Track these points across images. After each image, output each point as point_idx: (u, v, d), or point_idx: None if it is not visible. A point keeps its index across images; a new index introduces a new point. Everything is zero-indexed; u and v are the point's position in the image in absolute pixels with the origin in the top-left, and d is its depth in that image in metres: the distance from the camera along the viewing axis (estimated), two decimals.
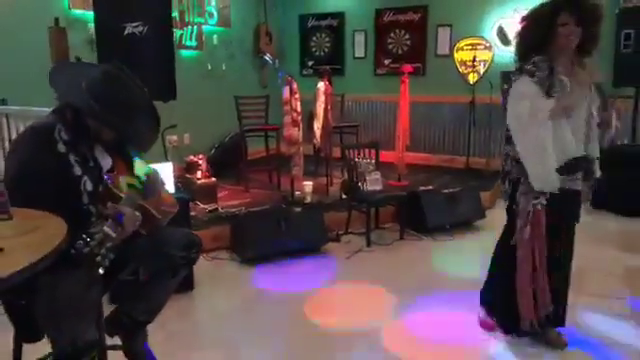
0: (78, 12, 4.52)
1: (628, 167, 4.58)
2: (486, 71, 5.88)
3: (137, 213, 1.74)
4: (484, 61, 5.89)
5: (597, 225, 4.37)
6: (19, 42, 4.08)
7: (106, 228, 1.53)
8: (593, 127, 2.25)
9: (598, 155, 2.33)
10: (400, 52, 6.52)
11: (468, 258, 3.65)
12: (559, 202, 2.23)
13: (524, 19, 2.27)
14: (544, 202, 2.21)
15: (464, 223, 4.27)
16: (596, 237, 4.05)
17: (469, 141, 5.73)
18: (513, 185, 2.33)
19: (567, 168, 2.18)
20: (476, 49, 5.91)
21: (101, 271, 1.48)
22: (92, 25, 3.56)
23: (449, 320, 2.75)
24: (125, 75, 1.83)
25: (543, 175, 2.16)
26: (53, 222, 1.45)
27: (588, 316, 2.77)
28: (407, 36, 6.43)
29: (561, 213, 2.28)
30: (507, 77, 4.68)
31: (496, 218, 4.51)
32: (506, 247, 2.40)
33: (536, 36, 2.16)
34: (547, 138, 2.12)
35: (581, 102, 2.17)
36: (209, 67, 6.07)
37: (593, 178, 2.35)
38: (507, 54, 5.74)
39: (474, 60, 5.83)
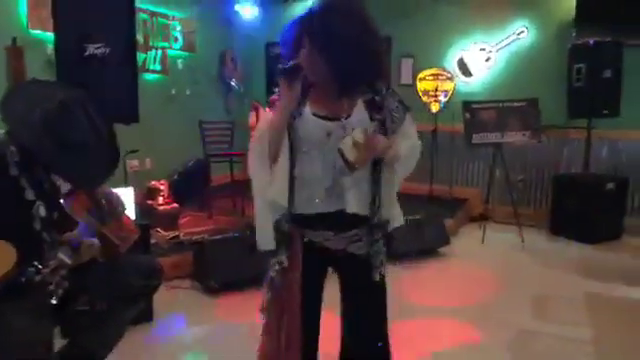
0: (37, 32, 4.38)
1: (580, 195, 4.77)
2: (448, 101, 6.05)
3: (94, 239, 1.65)
4: (446, 91, 6.06)
5: (557, 252, 4.50)
6: None
7: (60, 255, 1.45)
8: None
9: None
10: None
11: (434, 285, 3.66)
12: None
13: None
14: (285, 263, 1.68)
15: (429, 250, 4.30)
16: (557, 264, 4.16)
17: (432, 169, 5.84)
18: None
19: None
20: (438, 79, 6.09)
21: (54, 301, 1.38)
22: (51, 46, 3.46)
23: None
24: (82, 107, 1.71)
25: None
26: (2, 249, 1.36)
27: (548, 343, 2.80)
28: None
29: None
30: (468, 106, 4.90)
31: (461, 245, 4.60)
32: None
33: None
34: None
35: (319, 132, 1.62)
36: (173, 91, 5.99)
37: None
38: (468, 85, 5.95)
39: (436, 90, 5.99)
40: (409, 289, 3.59)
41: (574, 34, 5.08)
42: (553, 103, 5.06)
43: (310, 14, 1.60)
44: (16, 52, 3.16)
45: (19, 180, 1.63)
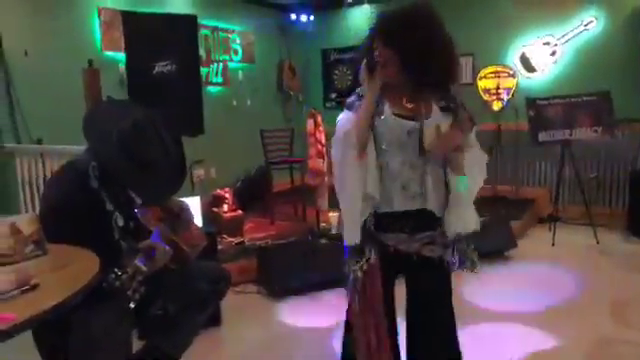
0: (110, 53, 4.70)
1: None
2: (511, 98, 5.84)
3: (168, 247, 1.75)
4: (508, 88, 5.86)
5: (637, 253, 4.21)
6: (55, 83, 4.26)
7: (138, 262, 1.55)
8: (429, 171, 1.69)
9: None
10: None
11: (502, 289, 3.54)
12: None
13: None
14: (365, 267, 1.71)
15: (495, 253, 4.16)
16: (636, 266, 3.90)
17: (496, 169, 5.65)
18: None
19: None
20: (499, 77, 5.90)
21: (132, 305, 1.48)
22: (122, 65, 3.71)
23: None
24: (154, 128, 1.81)
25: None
26: (86, 257, 1.47)
27: (629, 349, 2.63)
28: None
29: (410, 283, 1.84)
30: (532, 103, 4.70)
31: (530, 247, 4.41)
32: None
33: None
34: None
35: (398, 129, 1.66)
36: (234, 102, 6.20)
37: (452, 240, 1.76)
38: (531, 81, 5.72)
39: (498, 88, 5.80)
40: (474, 293, 3.49)
41: None
42: (627, 96, 4.76)
43: (386, 17, 1.69)
44: (92, 73, 3.40)
45: (99, 193, 1.77)
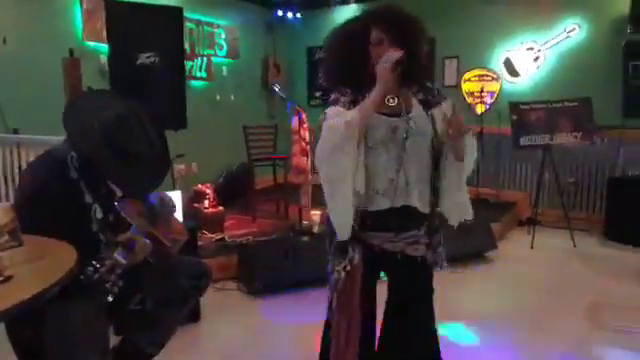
0: (91, 44, 4.60)
1: (637, 198, 4.53)
2: (494, 102, 5.90)
3: (147, 241, 1.72)
4: (492, 92, 5.92)
5: (612, 258, 4.29)
6: (34, 72, 4.15)
7: (116, 255, 1.51)
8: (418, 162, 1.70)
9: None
10: None
11: (483, 290, 3.57)
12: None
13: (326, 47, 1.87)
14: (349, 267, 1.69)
15: (476, 254, 4.19)
16: (612, 270, 3.97)
17: (478, 171, 5.70)
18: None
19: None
20: (483, 80, 5.95)
21: (110, 298, 1.45)
22: (105, 56, 3.63)
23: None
24: (137, 120, 1.78)
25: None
26: (62, 249, 1.43)
27: (603, 351, 2.68)
28: None
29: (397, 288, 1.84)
30: (515, 107, 4.75)
31: (509, 249, 4.46)
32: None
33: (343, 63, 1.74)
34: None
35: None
36: (218, 97, 6.14)
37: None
38: (515, 85, 5.79)
39: (482, 91, 5.86)
40: (455, 293, 3.52)
41: (629, 30, 4.84)
42: (607, 102, 4.85)
43: (390, 14, 1.69)
44: (73, 63, 3.33)
45: (78, 184, 1.72)
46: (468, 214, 1.79)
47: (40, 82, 4.06)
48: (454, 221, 1.77)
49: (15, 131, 3.94)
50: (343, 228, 1.63)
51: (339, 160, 1.59)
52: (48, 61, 3.84)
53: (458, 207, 1.76)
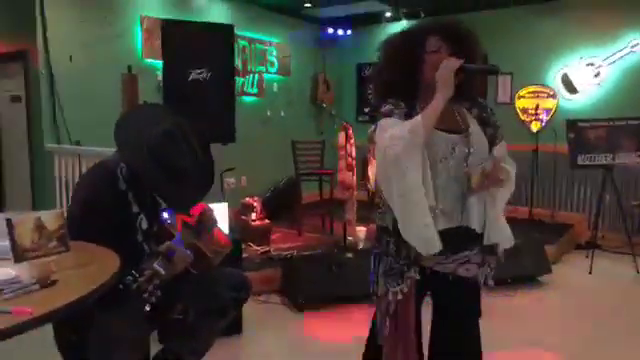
0: (149, 61, 4.84)
1: None
2: (550, 119, 5.67)
3: (188, 252, 1.75)
4: (548, 109, 5.70)
5: None
6: (96, 88, 4.40)
7: (156, 265, 1.54)
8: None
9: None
10: None
11: (531, 315, 3.39)
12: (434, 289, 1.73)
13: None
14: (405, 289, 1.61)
15: (528, 277, 4.00)
16: None
17: (532, 191, 5.47)
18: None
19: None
20: (538, 97, 5.74)
21: (147, 308, 1.48)
22: (161, 73, 3.80)
23: None
24: (184, 136, 1.82)
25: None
26: (107, 257, 1.48)
27: None
28: None
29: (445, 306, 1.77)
30: (573, 125, 4.54)
31: (565, 274, 4.22)
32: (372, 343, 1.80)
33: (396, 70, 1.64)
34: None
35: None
36: (268, 113, 6.27)
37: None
38: (573, 102, 5.54)
39: (537, 108, 5.65)
40: (504, 318, 3.36)
41: None
42: None
43: (451, 26, 1.65)
44: (131, 79, 3.49)
45: (127, 194, 1.78)
46: (510, 241, 1.68)
47: (102, 97, 4.29)
48: (500, 251, 1.68)
49: (77, 143, 4.18)
50: (429, 242, 1.51)
51: (407, 170, 1.48)
52: (110, 78, 4.05)
53: (499, 233, 1.66)
